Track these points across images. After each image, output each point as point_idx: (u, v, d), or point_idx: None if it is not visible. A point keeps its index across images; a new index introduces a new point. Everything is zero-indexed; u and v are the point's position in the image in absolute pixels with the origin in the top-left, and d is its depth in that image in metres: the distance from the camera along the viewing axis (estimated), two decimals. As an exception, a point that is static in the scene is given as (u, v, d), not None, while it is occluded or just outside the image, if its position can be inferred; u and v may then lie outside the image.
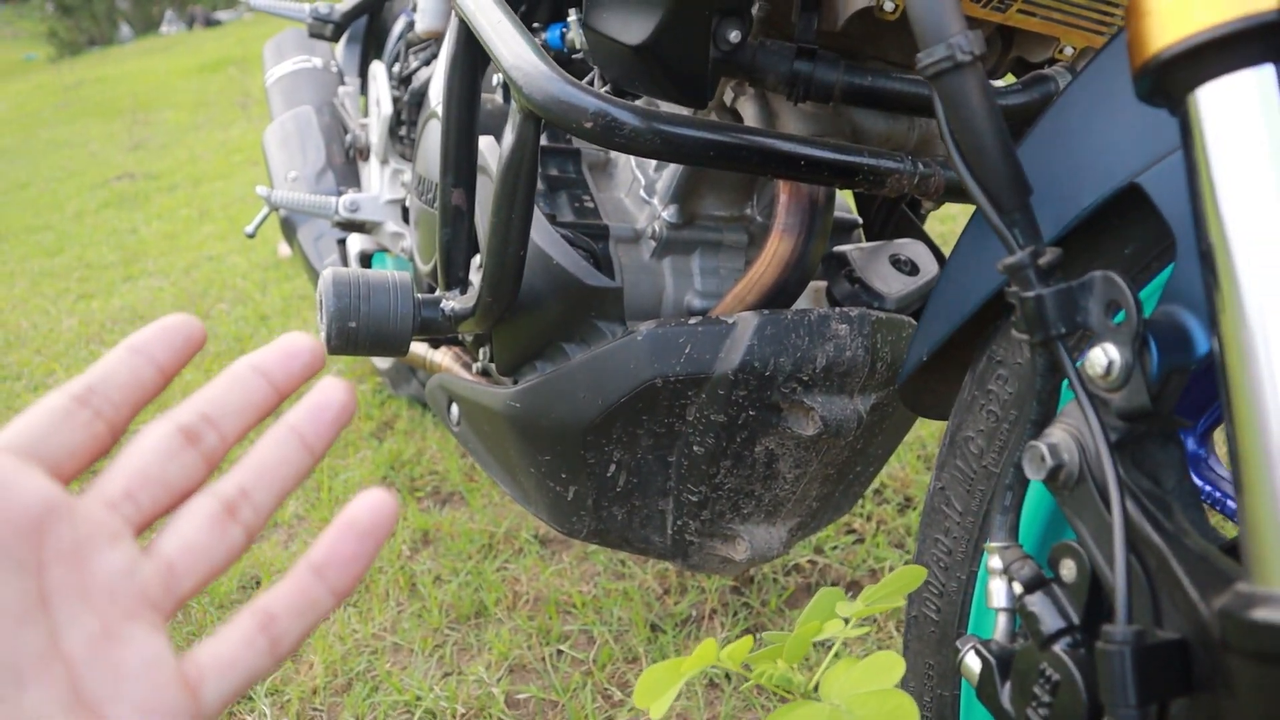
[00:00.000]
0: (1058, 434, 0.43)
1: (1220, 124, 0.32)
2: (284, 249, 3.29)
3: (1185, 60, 0.33)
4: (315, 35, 1.50)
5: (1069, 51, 0.70)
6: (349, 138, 1.53)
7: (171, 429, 0.33)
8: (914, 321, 0.82)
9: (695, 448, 0.81)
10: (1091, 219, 0.46)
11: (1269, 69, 0.32)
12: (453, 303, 0.83)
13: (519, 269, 0.75)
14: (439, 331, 0.83)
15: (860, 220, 1.01)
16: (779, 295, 0.81)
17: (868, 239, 1.02)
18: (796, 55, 0.68)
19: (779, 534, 0.90)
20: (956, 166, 0.42)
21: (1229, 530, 0.48)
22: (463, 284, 0.89)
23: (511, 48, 0.66)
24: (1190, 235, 0.38)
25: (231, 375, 0.35)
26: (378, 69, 1.41)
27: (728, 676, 1.15)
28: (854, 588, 1.29)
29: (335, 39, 1.52)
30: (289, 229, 1.57)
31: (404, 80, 1.40)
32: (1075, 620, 0.44)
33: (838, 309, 0.77)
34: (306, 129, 1.55)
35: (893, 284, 0.90)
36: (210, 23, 18.00)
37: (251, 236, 1.50)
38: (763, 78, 0.67)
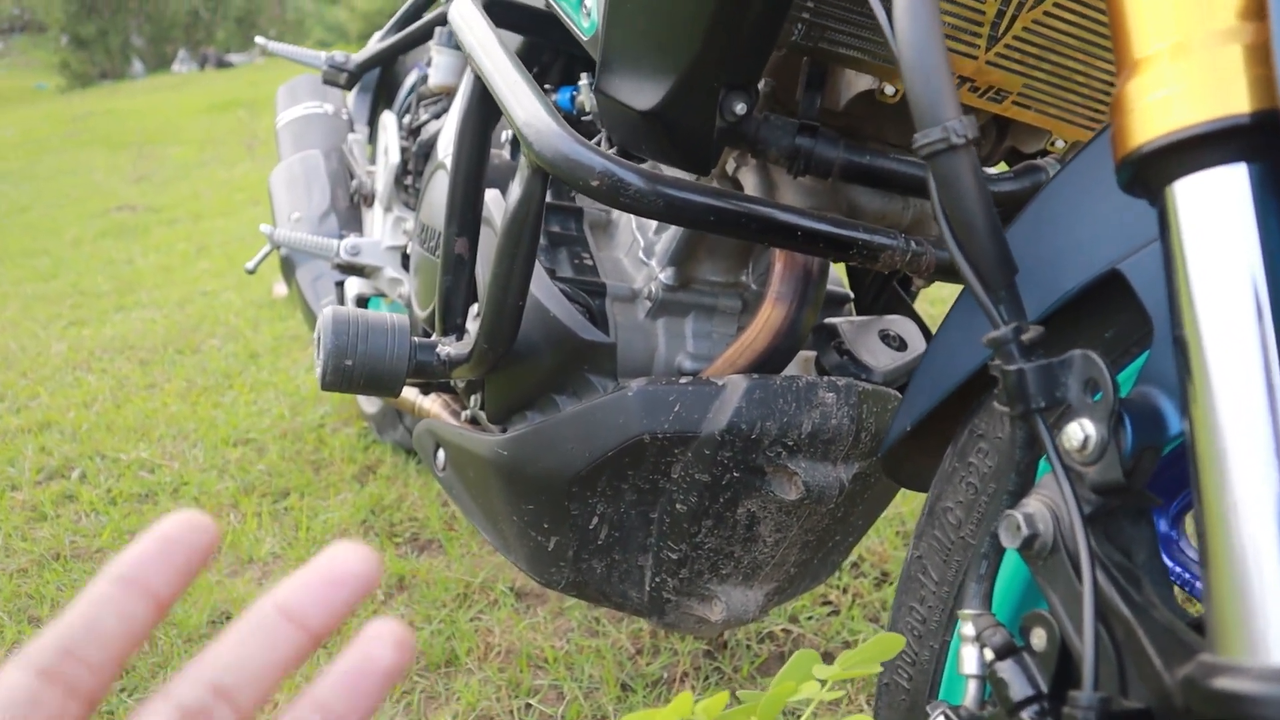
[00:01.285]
0: (1034, 504, 0.44)
1: (1194, 217, 0.34)
2: (279, 289, 3.31)
3: (1163, 155, 0.35)
4: (329, 82, 1.54)
5: (1060, 144, 0.74)
6: (355, 183, 1.55)
7: (168, 713, 0.25)
8: (899, 395, 0.84)
9: (678, 505, 0.82)
10: (1074, 302, 0.48)
11: (1241, 167, 0.34)
12: (448, 348, 0.85)
13: (517, 319, 0.77)
14: (433, 375, 0.85)
15: (851, 295, 1.04)
16: (769, 361, 0.82)
17: (858, 313, 1.05)
18: (799, 131, 0.70)
19: (755, 597, 0.90)
20: (947, 243, 0.44)
21: (1198, 610, 0.50)
22: (459, 330, 0.91)
23: (525, 105, 0.69)
24: (1167, 321, 0.40)
25: (252, 624, 0.27)
26: (388, 119, 1.44)
27: (696, 742, 1.14)
28: (828, 659, 1.29)
29: (349, 87, 1.56)
30: (288, 268, 1.59)
31: (413, 131, 1.44)
32: (1044, 688, 0.45)
33: (825, 378, 0.79)
34: (313, 172, 1.58)
35: (881, 358, 0.92)
36: (222, 64, 18.29)
37: (251, 272, 1.51)
38: (765, 150, 0.70)
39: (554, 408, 0.85)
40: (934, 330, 1.05)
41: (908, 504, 1.64)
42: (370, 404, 2.03)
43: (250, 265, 1.47)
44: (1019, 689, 0.45)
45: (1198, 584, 0.51)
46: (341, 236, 1.51)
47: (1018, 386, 0.42)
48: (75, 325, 3.23)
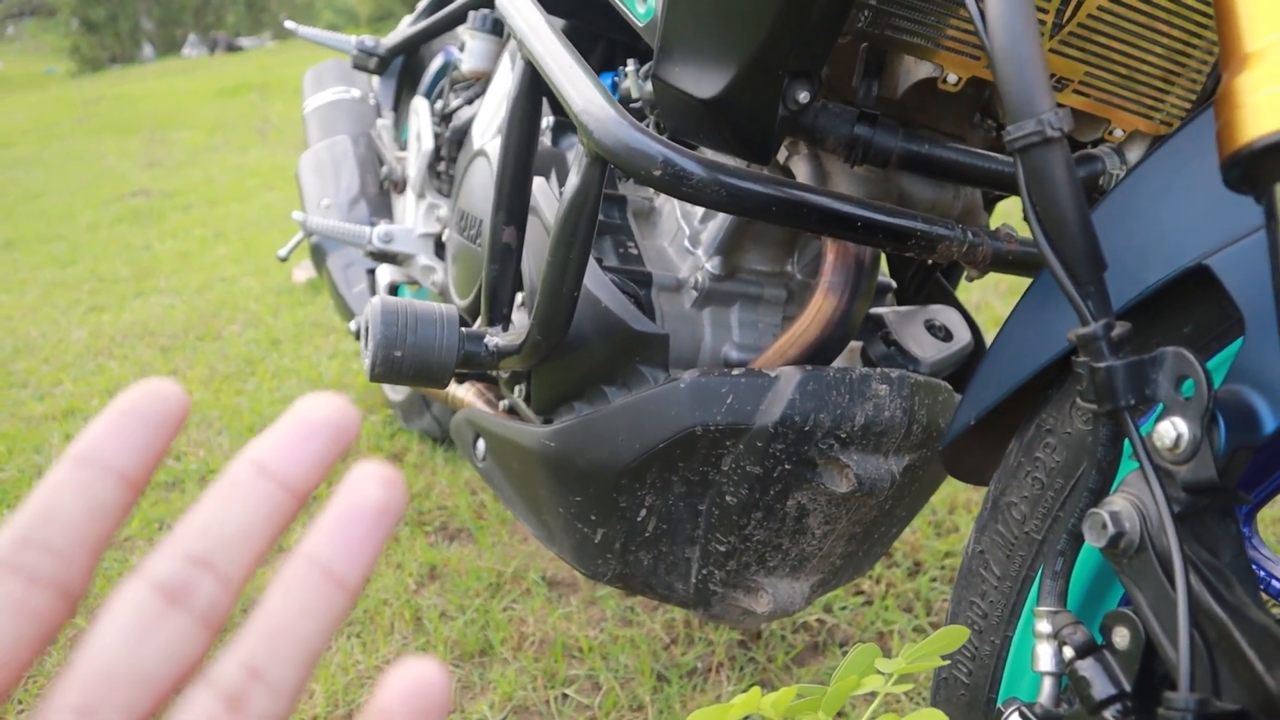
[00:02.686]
0: (1119, 503, 0.44)
1: None
2: (299, 274, 3.31)
3: (1277, 152, 0.34)
4: (359, 67, 1.54)
5: (1118, 134, 0.73)
6: (385, 170, 1.55)
7: (144, 592, 0.23)
8: (949, 386, 0.84)
9: (728, 498, 0.82)
10: (1154, 295, 0.47)
11: None
12: (497, 339, 0.84)
13: (571, 310, 0.77)
14: (481, 366, 0.84)
15: (894, 284, 1.03)
16: (820, 352, 0.82)
17: (900, 304, 1.04)
18: (858, 119, 0.70)
19: (801, 589, 0.90)
20: (1035, 237, 0.44)
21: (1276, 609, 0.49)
22: (505, 320, 0.90)
23: (582, 92, 0.68)
24: (1261, 318, 0.40)
25: (228, 486, 0.25)
26: (420, 104, 1.44)
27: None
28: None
29: (379, 72, 1.56)
30: (319, 255, 1.59)
31: (445, 117, 1.43)
32: (1126, 688, 0.44)
33: (879, 370, 0.78)
34: (342, 157, 1.58)
35: (927, 349, 0.91)
36: (232, 48, 18.27)
37: (284, 259, 1.51)
38: (823, 139, 0.69)
39: (603, 399, 0.85)
40: (977, 322, 1.04)
41: (937, 494, 1.64)
42: (395, 391, 2.03)
43: (283, 253, 1.47)
44: (1101, 688, 0.45)
45: (1274, 582, 0.51)
46: (372, 223, 1.51)
47: (1107, 384, 0.42)
48: (95, 311, 3.24)
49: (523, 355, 0.81)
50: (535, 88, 0.81)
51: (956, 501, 1.61)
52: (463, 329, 0.84)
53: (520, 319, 0.93)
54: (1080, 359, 0.44)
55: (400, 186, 1.53)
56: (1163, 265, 0.46)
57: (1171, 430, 0.41)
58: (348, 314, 1.52)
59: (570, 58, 0.72)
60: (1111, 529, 0.43)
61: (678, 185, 0.64)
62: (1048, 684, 0.49)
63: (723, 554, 0.86)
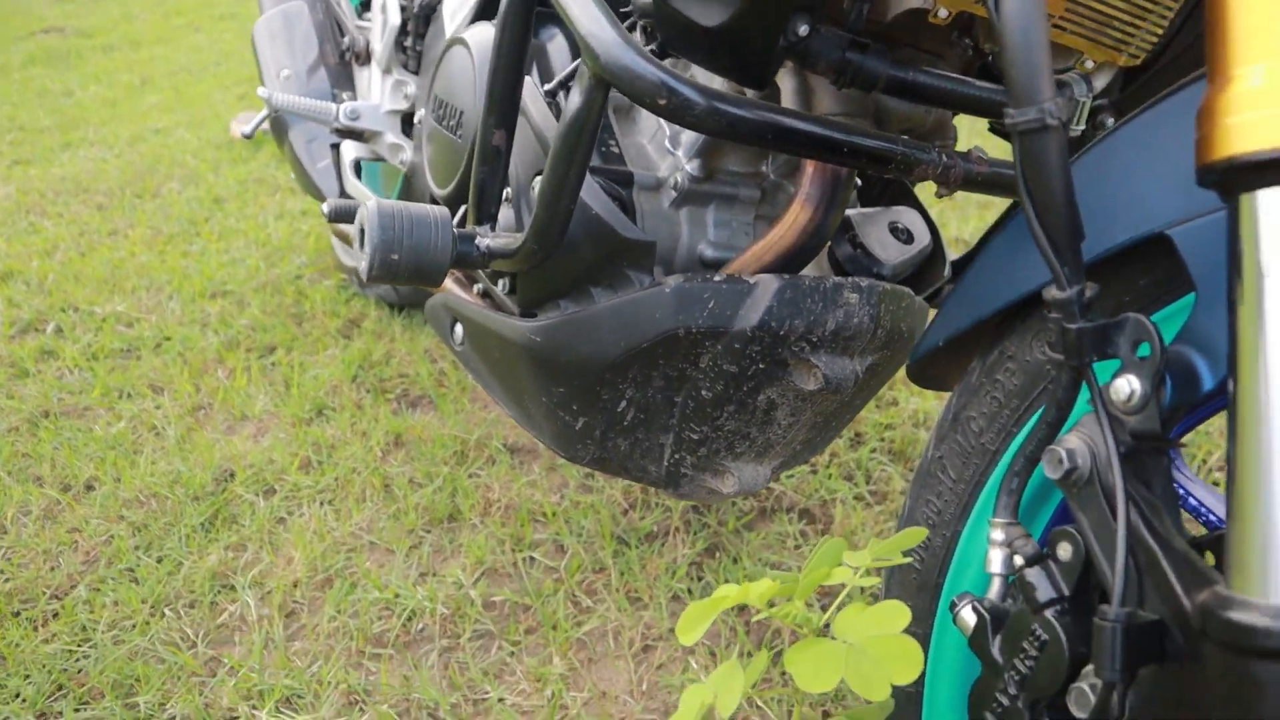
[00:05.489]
0: (1074, 441, 0.50)
1: (1272, 226, 0.39)
2: (237, 127, 3.20)
3: (1250, 168, 0.39)
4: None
5: (1089, 64, 0.77)
6: (346, 40, 1.51)
7: None
8: (911, 293, 0.89)
9: (704, 392, 0.88)
10: (1120, 252, 0.53)
11: None
12: (489, 240, 0.87)
13: (566, 222, 0.79)
14: (473, 266, 0.87)
15: (859, 183, 1.07)
16: (795, 259, 0.87)
17: (865, 204, 1.09)
18: (849, 46, 0.72)
19: (764, 471, 0.98)
20: (1025, 209, 0.48)
21: (1192, 527, 0.57)
22: (493, 220, 0.93)
23: (588, 14, 0.69)
24: (1210, 289, 0.46)
25: None
26: (381, -30, 1.39)
27: (733, 628, 1.24)
28: (805, 515, 1.39)
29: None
30: (279, 129, 1.56)
31: (411, -15, 1.39)
32: (1066, 593, 0.52)
33: (849, 279, 0.83)
34: (299, 25, 1.53)
35: (890, 251, 0.96)
36: None
37: (249, 138, 1.48)
38: (815, 63, 0.72)
39: (588, 299, 0.89)
40: (937, 222, 1.08)
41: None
42: (349, 255, 2.03)
43: (248, 130, 1.44)
44: (1044, 591, 0.53)
45: (1191, 500, 0.59)
46: (335, 95, 1.48)
47: (1075, 343, 0.48)
48: (20, 165, 3.11)
49: (517, 260, 0.85)
50: (517, 58, 0.81)
51: (896, 377, 1.71)
52: (455, 229, 0.87)
53: (506, 214, 0.95)
54: (1053, 315, 0.49)
55: (362, 58, 1.50)
56: (1129, 228, 0.51)
57: (1126, 386, 0.47)
58: (313, 190, 1.50)
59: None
60: (1066, 464, 0.50)
61: (680, 114, 0.67)
62: (997, 583, 0.57)
63: (695, 441, 0.92)
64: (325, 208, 1.19)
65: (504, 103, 0.85)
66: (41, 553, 1.34)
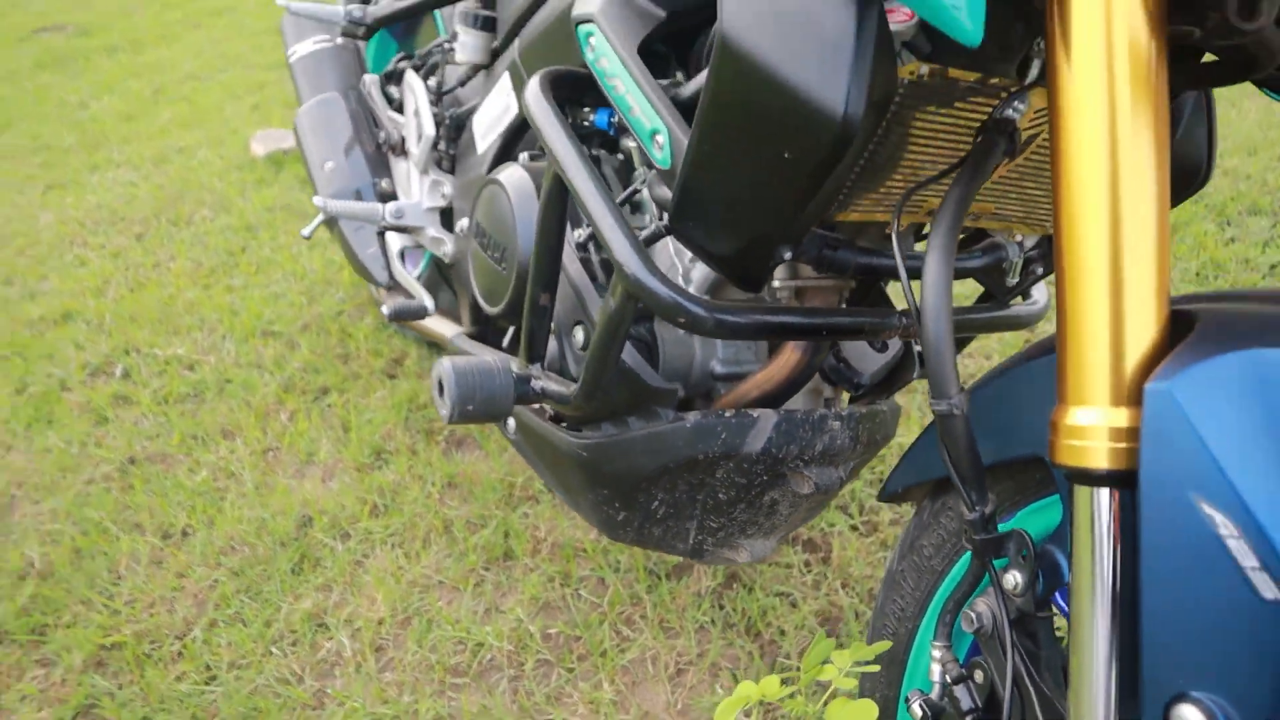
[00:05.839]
0: (981, 605, 0.73)
1: (1084, 511, 0.60)
2: (257, 147, 3.37)
3: (1081, 476, 0.60)
4: (348, 35, 1.65)
5: (1018, 235, 0.98)
6: (381, 134, 1.70)
7: None
8: (884, 409, 1.11)
9: (720, 495, 1.10)
10: (1007, 462, 0.75)
11: (1106, 491, 0.59)
12: (543, 382, 1.09)
13: (608, 388, 1.01)
14: (530, 402, 1.10)
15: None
16: (789, 389, 1.08)
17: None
18: (825, 244, 0.93)
19: (771, 544, 1.21)
20: (943, 458, 0.70)
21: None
22: (542, 359, 1.14)
23: (617, 239, 0.89)
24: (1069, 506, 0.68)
25: None
26: (413, 81, 1.58)
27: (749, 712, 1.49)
28: (809, 545, 1.63)
29: (367, 39, 1.67)
30: (332, 216, 1.76)
31: (440, 94, 1.58)
32: (979, 705, 0.76)
33: (834, 409, 1.06)
34: (337, 117, 1.72)
35: (868, 362, 1.19)
36: None
37: (308, 238, 1.68)
38: (799, 257, 0.92)
39: (624, 425, 1.11)
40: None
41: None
42: (386, 304, 2.23)
43: (306, 233, 1.63)
44: (966, 702, 0.76)
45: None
46: (375, 184, 1.68)
47: (980, 547, 0.70)
48: (54, 190, 3.29)
49: (569, 408, 1.07)
50: (562, 198, 1.01)
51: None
52: (515, 372, 1.09)
53: (553, 345, 1.17)
54: (966, 529, 0.71)
55: (397, 150, 1.69)
56: (1016, 447, 0.73)
57: (1013, 579, 0.70)
58: (364, 273, 1.71)
59: (602, 199, 0.92)
60: (976, 623, 0.73)
61: (694, 327, 0.88)
62: (937, 689, 0.80)
63: (714, 528, 1.16)
64: (385, 310, 1.40)
65: (548, 271, 1.06)
66: (158, 598, 1.58)
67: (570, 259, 1.12)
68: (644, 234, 0.99)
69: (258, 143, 3.36)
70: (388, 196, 1.68)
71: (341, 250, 1.79)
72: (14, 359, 2.28)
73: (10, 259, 2.86)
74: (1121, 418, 0.59)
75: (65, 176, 3.38)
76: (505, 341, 1.47)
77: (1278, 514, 0.53)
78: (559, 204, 1.03)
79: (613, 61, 0.94)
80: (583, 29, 0.99)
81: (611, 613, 1.50)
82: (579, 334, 1.12)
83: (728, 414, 1.04)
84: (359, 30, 1.64)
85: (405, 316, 1.40)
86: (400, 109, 1.72)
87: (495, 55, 1.47)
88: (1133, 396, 0.59)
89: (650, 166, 1.01)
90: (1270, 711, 0.55)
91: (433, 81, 1.59)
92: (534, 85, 1.03)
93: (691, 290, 1.15)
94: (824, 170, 0.73)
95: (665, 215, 0.92)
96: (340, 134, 1.71)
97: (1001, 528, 0.73)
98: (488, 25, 1.45)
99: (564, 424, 1.16)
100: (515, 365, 1.14)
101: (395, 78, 1.72)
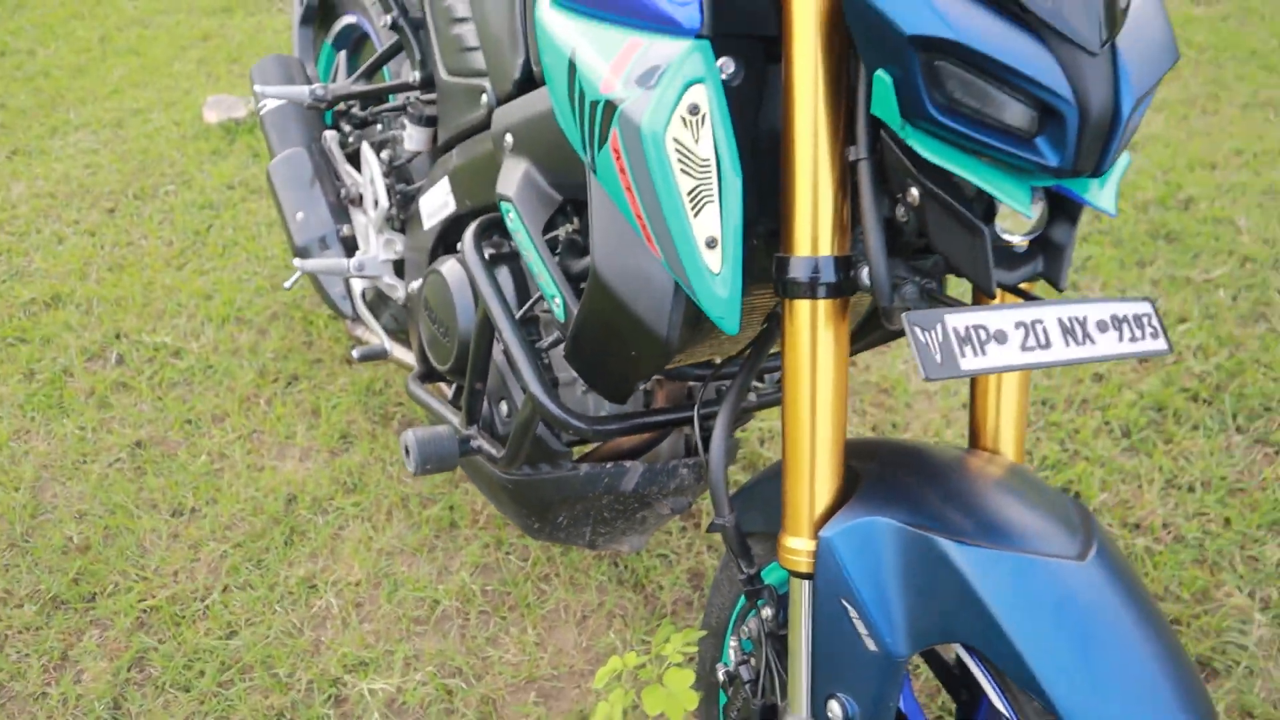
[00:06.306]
0: (752, 622, 1.21)
1: (795, 590, 1.07)
2: (209, 114, 3.62)
3: (790, 571, 1.06)
4: (313, 108, 1.99)
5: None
6: (344, 190, 2.06)
7: None
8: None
9: (606, 514, 1.57)
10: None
11: (807, 582, 1.06)
12: (480, 442, 1.53)
13: (525, 451, 1.46)
14: (470, 455, 1.54)
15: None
16: (653, 444, 1.54)
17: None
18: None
19: (645, 539, 1.70)
20: (731, 561, 1.15)
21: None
22: (479, 421, 1.57)
23: (529, 374, 1.31)
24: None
25: None
26: (369, 156, 1.94)
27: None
28: (684, 514, 2.11)
29: (328, 110, 2.01)
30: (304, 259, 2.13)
31: (393, 166, 1.95)
32: (754, 679, 1.25)
33: (683, 459, 1.52)
34: (303, 171, 2.07)
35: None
36: None
37: (289, 289, 2.05)
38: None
39: (538, 468, 1.56)
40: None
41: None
42: (334, 285, 2.60)
43: (287, 285, 2.01)
44: (746, 676, 1.25)
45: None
46: (337, 230, 2.06)
47: (750, 595, 1.17)
48: (20, 156, 3.51)
49: (498, 465, 1.51)
50: (489, 325, 1.43)
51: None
52: (459, 435, 1.53)
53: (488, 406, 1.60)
54: (740, 580, 1.18)
55: (356, 203, 2.06)
56: (774, 525, 1.20)
57: (768, 610, 1.17)
58: (333, 308, 2.10)
59: (517, 338, 1.34)
60: (748, 633, 1.21)
61: (583, 436, 1.32)
62: (733, 665, 1.29)
63: (603, 532, 1.63)
64: (355, 354, 1.81)
65: (482, 365, 1.49)
66: (179, 568, 2.02)
67: (498, 353, 1.55)
68: (548, 341, 1.42)
69: (210, 109, 3.60)
70: (349, 241, 2.06)
71: (314, 287, 2.17)
72: (18, 344, 2.62)
73: (-11, 233, 3.12)
74: (811, 545, 1.05)
75: (28, 142, 3.60)
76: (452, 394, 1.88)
77: (876, 607, 1.00)
78: (488, 328, 1.45)
79: (524, 239, 1.35)
80: (504, 204, 1.39)
81: (534, 572, 1.98)
82: (504, 407, 1.56)
83: (609, 465, 1.50)
84: (322, 105, 1.98)
85: (370, 357, 1.81)
86: (356, 164, 2.08)
87: (437, 150, 1.84)
88: (815, 532, 1.06)
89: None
90: (874, 707, 1.04)
91: (385, 154, 1.95)
92: (468, 238, 1.43)
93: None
94: (657, 366, 1.17)
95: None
96: (308, 186, 2.07)
97: (765, 574, 1.21)
98: (430, 123, 1.82)
99: (497, 462, 1.60)
100: (459, 422, 1.58)
101: (354, 155, 2.08)
